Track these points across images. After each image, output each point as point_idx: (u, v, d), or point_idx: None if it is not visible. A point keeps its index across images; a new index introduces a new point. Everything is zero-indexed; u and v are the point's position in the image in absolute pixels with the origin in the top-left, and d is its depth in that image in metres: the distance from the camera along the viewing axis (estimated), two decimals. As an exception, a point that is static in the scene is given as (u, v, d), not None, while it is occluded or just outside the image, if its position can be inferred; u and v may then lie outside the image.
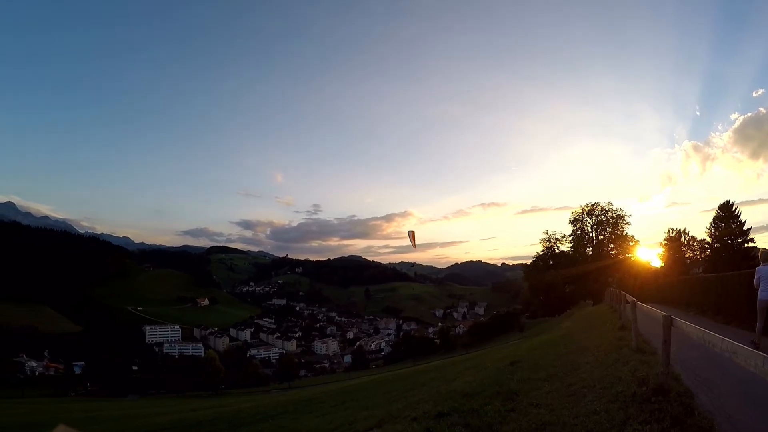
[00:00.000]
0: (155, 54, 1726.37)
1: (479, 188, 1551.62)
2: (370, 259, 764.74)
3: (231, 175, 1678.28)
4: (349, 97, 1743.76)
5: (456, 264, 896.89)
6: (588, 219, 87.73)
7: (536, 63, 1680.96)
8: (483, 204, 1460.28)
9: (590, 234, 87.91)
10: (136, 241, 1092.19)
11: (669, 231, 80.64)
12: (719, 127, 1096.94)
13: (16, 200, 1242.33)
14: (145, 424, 37.23)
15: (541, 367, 18.63)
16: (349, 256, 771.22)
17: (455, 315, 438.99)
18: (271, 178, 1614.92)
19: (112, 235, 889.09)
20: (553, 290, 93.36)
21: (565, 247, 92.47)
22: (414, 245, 63.62)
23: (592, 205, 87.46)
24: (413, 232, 62.29)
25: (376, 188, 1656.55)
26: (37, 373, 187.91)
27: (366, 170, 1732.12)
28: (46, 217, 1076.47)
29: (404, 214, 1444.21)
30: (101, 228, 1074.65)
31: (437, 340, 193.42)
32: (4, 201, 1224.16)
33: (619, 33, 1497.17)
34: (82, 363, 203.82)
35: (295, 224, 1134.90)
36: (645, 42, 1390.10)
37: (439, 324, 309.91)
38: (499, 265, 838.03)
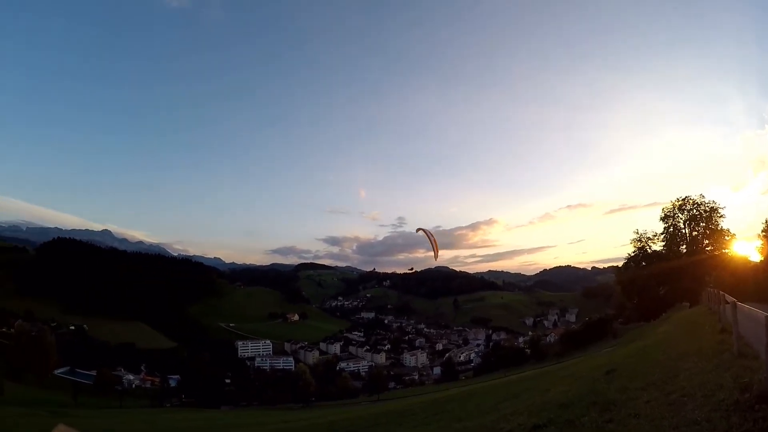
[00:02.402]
0: (237, 81, 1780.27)
1: (564, 189, 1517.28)
2: (457, 269, 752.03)
3: (316, 193, 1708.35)
4: (426, 109, 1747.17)
5: (545, 270, 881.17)
6: (680, 214, 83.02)
7: (616, 53, 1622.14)
8: (569, 206, 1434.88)
9: (683, 230, 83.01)
10: (227, 262, 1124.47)
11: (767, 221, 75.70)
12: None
13: (112, 228, 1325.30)
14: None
15: (638, 375, 18.14)
16: (435, 267, 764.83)
17: (546, 323, 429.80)
18: (354, 195, 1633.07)
19: (203, 257, 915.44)
20: (646, 293, 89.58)
21: (657, 246, 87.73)
22: (435, 246, 61.54)
23: (683, 200, 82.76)
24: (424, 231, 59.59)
25: (460, 197, 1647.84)
26: (134, 385, 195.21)
27: (448, 180, 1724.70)
28: (141, 242, 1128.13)
29: (489, 222, 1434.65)
30: (193, 250, 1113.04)
31: (528, 350, 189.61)
32: (101, 229, 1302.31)
33: (697, 8, 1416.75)
34: (177, 376, 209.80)
35: (380, 238, 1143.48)
36: (724, 16, 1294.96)
37: (530, 333, 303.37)
38: (589, 269, 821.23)
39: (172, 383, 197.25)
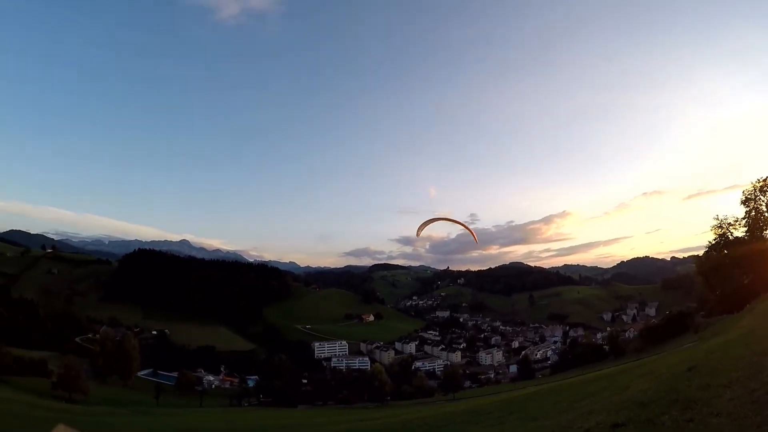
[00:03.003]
0: (308, 87, 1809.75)
1: (639, 176, 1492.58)
2: (531, 264, 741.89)
3: (387, 195, 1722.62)
4: (493, 103, 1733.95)
5: (622, 262, 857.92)
6: (761, 197, 76.96)
7: (678, 26, 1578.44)
8: (645, 193, 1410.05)
9: (766, 214, 77.15)
10: (302, 266, 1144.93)
11: None
12: None
13: (190, 238, 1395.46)
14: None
15: (721, 371, 17.48)
16: (510, 263, 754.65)
17: (624, 318, 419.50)
18: (425, 193, 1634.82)
19: (279, 262, 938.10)
20: (729, 283, 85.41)
21: (739, 232, 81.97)
22: (466, 228, 58.34)
23: (765, 180, 76.76)
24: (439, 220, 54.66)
25: (531, 191, 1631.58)
26: (213, 386, 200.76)
27: (519, 174, 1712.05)
28: (218, 250, 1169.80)
29: (563, 215, 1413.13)
30: (269, 256, 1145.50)
31: (606, 347, 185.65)
32: (179, 240, 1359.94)
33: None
34: (255, 377, 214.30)
35: (453, 236, 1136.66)
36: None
37: (608, 328, 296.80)
38: (668, 259, 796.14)
39: (251, 384, 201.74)
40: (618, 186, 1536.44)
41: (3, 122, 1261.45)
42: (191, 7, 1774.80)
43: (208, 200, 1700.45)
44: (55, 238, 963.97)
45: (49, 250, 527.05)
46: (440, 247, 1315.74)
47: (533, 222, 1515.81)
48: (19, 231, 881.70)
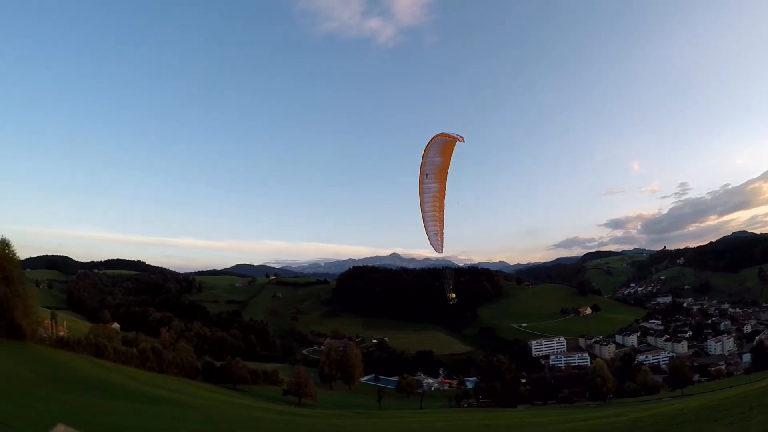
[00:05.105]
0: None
1: None
2: (757, 232, 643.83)
3: (588, 177, 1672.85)
4: (689, 52, 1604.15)
5: None
6: None
7: None
8: None
9: None
10: (511, 264, 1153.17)
11: None
12: None
13: (400, 251, 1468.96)
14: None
15: None
16: (732, 233, 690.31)
17: None
18: (627, 169, 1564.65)
19: (488, 263, 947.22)
20: None
21: None
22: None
23: None
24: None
25: (744, 142, 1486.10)
26: (432, 388, 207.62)
27: (729, 128, 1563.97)
28: (427, 259, 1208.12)
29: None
30: (477, 258, 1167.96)
31: None
32: (389, 254, 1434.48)
33: None
34: (474, 378, 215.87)
35: (665, 211, 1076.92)
36: None
37: None
38: None
39: (469, 385, 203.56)
40: None
41: (226, 179, 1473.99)
42: (352, 40, 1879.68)
43: (411, 214, 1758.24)
44: (276, 267, 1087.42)
45: (273, 277, 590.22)
46: (652, 225, 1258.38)
47: (752, 181, 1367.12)
48: (245, 264, 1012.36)
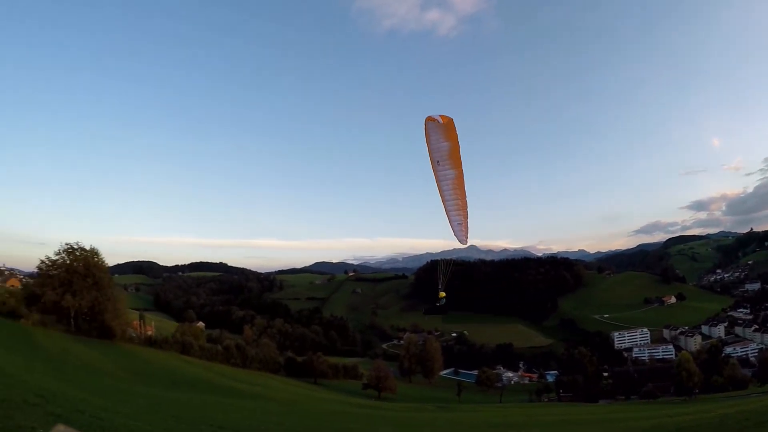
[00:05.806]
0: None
1: None
2: None
3: (665, 158, 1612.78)
4: None
5: None
6: None
7: None
8: None
9: None
10: (591, 252, 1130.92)
11: None
12: None
13: (477, 242, 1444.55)
14: (624, 428, 38.61)
15: None
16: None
17: None
18: (707, 147, 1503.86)
19: (567, 252, 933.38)
20: None
21: None
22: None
23: None
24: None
25: None
26: (512, 382, 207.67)
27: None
28: (505, 250, 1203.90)
29: None
30: (556, 247, 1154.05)
31: None
32: (467, 246, 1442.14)
33: None
34: (554, 372, 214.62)
35: (750, 189, 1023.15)
36: None
37: None
38: None
39: (550, 379, 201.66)
40: None
41: (304, 181, 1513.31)
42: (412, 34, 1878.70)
43: (487, 205, 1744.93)
44: (355, 263, 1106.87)
45: (351, 273, 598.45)
46: (737, 205, 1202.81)
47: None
48: (324, 262, 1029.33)
